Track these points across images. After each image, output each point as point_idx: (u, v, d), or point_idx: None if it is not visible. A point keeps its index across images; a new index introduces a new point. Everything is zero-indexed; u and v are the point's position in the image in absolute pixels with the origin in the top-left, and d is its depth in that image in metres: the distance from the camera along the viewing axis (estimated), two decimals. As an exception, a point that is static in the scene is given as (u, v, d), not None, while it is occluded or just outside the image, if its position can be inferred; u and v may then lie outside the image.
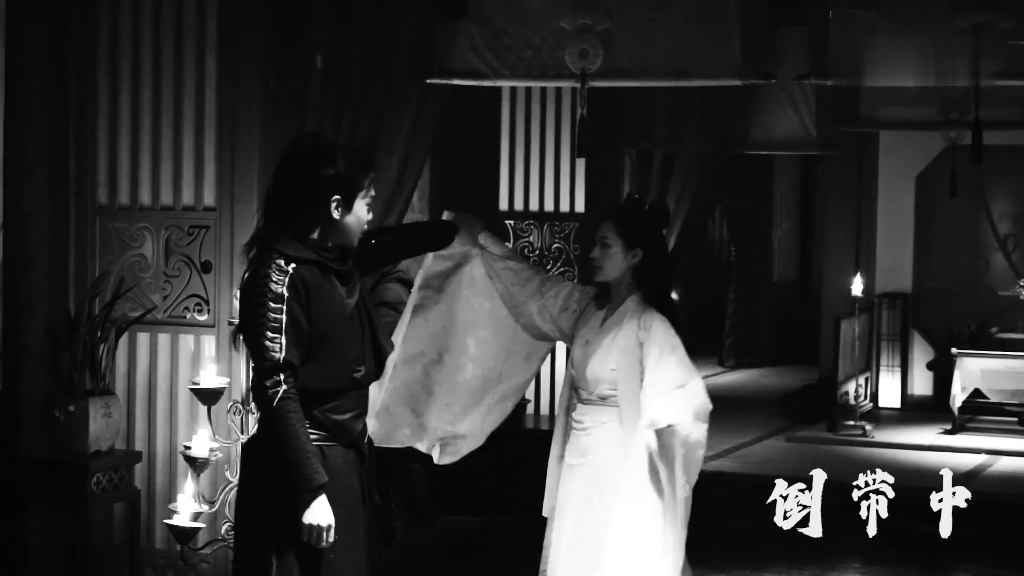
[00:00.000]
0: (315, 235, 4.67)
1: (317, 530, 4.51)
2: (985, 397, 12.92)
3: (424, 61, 7.14)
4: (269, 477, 4.60)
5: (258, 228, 4.79)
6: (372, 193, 4.80)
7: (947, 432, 12.64)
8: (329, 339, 4.61)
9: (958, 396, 12.64)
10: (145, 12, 7.26)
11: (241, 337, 4.72)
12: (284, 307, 4.52)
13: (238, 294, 4.87)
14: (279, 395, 4.47)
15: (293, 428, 4.48)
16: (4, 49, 6.90)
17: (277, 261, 4.55)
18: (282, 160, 4.75)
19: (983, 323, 14.31)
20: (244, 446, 4.97)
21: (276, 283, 4.53)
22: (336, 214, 4.67)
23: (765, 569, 8.55)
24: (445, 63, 7.16)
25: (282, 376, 4.48)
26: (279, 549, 4.58)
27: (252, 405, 4.80)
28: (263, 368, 4.50)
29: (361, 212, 4.74)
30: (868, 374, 14.02)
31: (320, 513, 4.50)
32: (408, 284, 7.41)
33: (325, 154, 4.66)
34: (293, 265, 4.56)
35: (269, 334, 4.50)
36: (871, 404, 13.95)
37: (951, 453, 11.76)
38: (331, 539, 4.53)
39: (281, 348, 4.49)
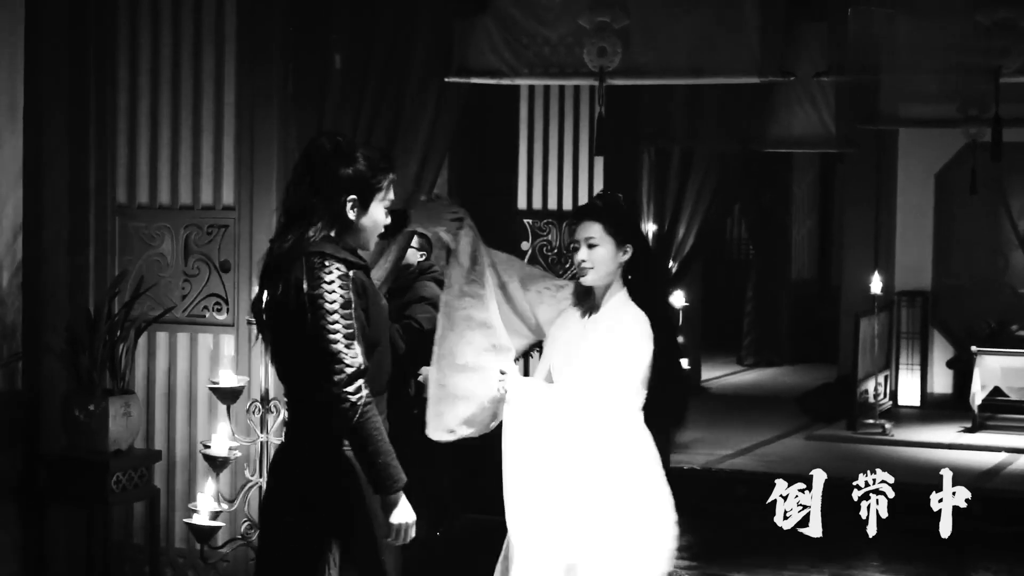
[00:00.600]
0: (332, 235, 4.64)
1: (405, 528, 4.56)
2: (1005, 395, 12.89)
3: (443, 60, 7.13)
4: (325, 482, 4.59)
5: (279, 226, 4.76)
6: (391, 196, 4.76)
7: (967, 430, 12.61)
8: (380, 343, 4.65)
9: (978, 394, 12.61)
10: (164, 11, 7.28)
11: (261, 336, 4.75)
12: (353, 312, 4.50)
13: (255, 293, 4.85)
14: (363, 401, 4.44)
15: (380, 431, 4.48)
16: (24, 49, 6.91)
17: (339, 267, 4.52)
18: (301, 157, 4.74)
19: (1003, 321, 14.26)
20: (282, 452, 4.83)
21: (345, 289, 4.49)
22: (351, 214, 4.64)
23: (785, 567, 8.54)
24: (463, 62, 7.16)
25: (362, 382, 4.45)
26: (340, 553, 4.60)
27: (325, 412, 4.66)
28: (344, 376, 4.42)
29: (378, 214, 4.71)
30: (888, 372, 13.99)
31: (407, 511, 4.56)
32: (442, 283, 7.41)
33: (343, 152, 4.64)
34: (353, 271, 4.55)
35: (344, 341, 4.44)
36: (891, 402, 13.93)
37: (971, 451, 11.74)
38: (413, 535, 4.59)
39: (358, 355, 4.46)
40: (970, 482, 8.73)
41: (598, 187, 10.32)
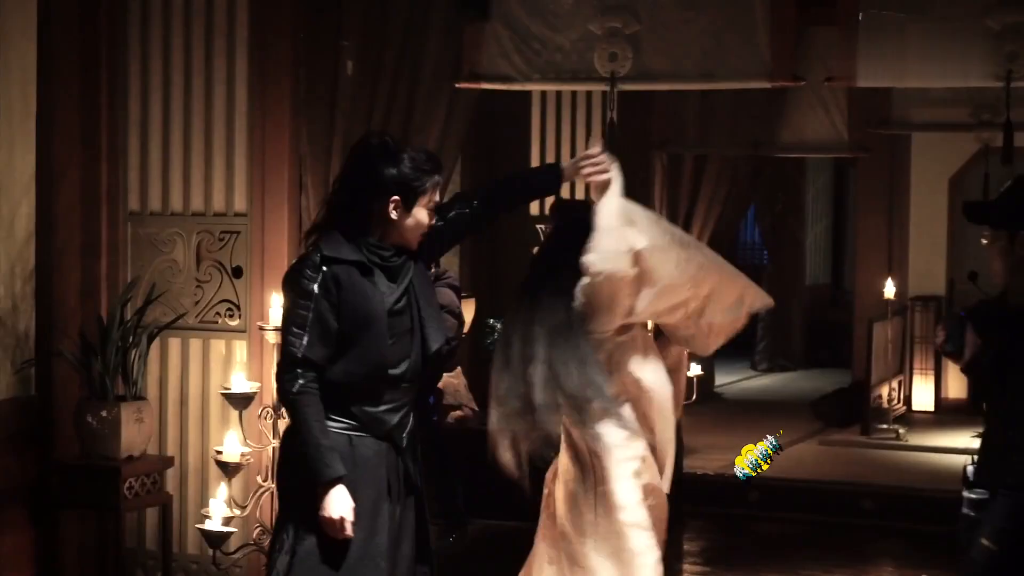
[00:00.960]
0: (373, 233, 4.71)
1: (330, 523, 4.58)
2: (1019, 400, 12.82)
3: (453, 65, 7.15)
4: (294, 464, 4.69)
5: (319, 218, 4.84)
6: (436, 198, 4.82)
7: (981, 435, 12.56)
8: (360, 337, 4.65)
9: (992, 399, 12.54)
10: (175, 17, 7.30)
11: None
12: (312, 304, 4.59)
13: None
14: (294, 389, 4.57)
15: (307, 423, 4.57)
16: (35, 57, 6.93)
17: (313, 258, 4.64)
18: (348, 155, 4.86)
19: (1017, 325, 14.19)
20: (284, 433, 5.04)
21: (307, 280, 4.61)
22: (394, 215, 4.71)
23: (798, 572, 8.53)
24: (474, 67, 7.18)
25: (299, 371, 4.57)
26: (296, 533, 4.65)
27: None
28: (284, 361, 4.62)
29: (421, 216, 4.76)
30: (901, 377, 13.95)
31: (335, 505, 4.57)
32: (457, 289, 7.41)
33: (390, 153, 4.71)
34: (327, 265, 4.62)
35: (294, 329, 4.59)
36: (904, 407, 13.88)
37: (985, 456, 11.70)
38: (349, 531, 4.59)
39: (302, 344, 4.57)
40: (983, 487, 8.70)
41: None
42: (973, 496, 4.88)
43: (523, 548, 5.65)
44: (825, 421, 13.22)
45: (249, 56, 7.17)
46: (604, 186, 5.20)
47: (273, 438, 6.84)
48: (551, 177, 5.28)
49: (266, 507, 6.90)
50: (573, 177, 5.31)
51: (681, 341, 5.61)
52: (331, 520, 4.57)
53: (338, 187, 4.80)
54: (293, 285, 4.65)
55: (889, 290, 13.06)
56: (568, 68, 7.18)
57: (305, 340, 4.57)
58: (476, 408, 9.54)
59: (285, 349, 4.63)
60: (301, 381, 4.57)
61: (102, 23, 7.22)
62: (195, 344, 7.31)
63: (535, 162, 10.60)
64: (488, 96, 7.68)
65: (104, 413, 6.79)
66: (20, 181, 6.88)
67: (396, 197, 4.69)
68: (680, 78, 7.29)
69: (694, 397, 11.37)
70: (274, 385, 6.77)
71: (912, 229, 14.67)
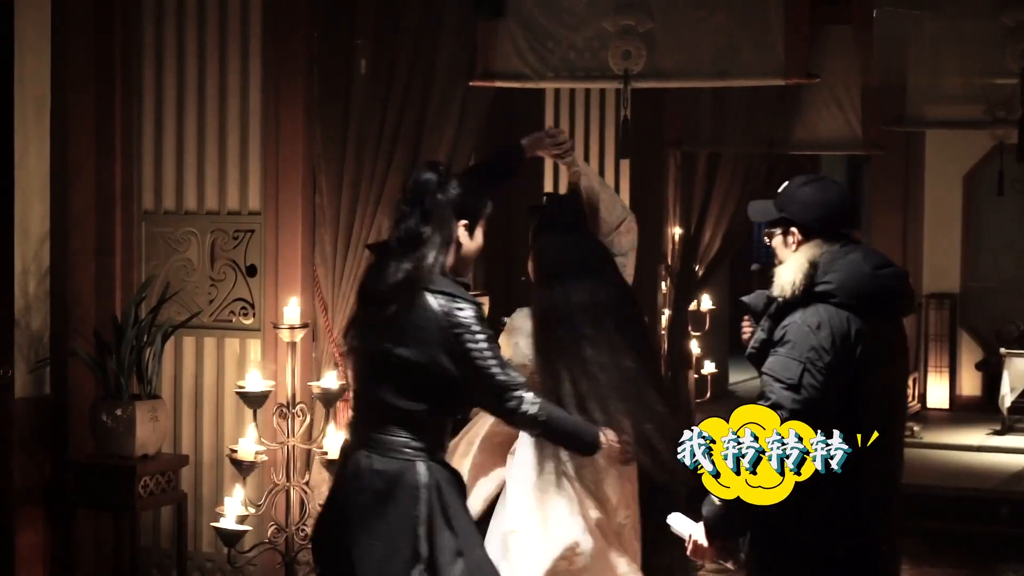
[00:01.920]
0: (445, 268, 4.70)
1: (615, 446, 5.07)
2: (1034, 397, 12.82)
3: (467, 64, 7.14)
4: (413, 488, 4.61)
5: (394, 254, 4.71)
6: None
7: (996, 433, 12.55)
8: None
9: (1007, 396, 12.55)
10: (189, 16, 7.31)
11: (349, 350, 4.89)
12: (497, 342, 4.72)
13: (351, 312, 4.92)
14: (538, 407, 4.68)
15: (556, 413, 4.81)
16: (49, 55, 6.94)
17: (471, 307, 4.63)
18: (408, 190, 4.77)
19: (1031, 322, 14.19)
20: (364, 461, 4.74)
21: (483, 322, 4.64)
22: (464, 239, 4.74)
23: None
24: (488, 65, 7.16)
25: (531, 394, 4.69)
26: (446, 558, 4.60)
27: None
28: (516, 401, 4.66)
29: (480, 239, 4.82)
30: (916, 375, 13.94)
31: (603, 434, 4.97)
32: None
33: (448, 180, 4.73)
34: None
35: (500, 369, 4.64)
36: (919, 405, 13.87)
37: (1000, 454, 11.69)
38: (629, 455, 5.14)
39: (514, 374, 4.68)
40: (999, 485, 8.70)
41: (624, 190, 10.34)
42: None
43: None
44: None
45: (263, 55, 7.18)
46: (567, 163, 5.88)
47: (288, 436, 6.84)
48: (514, 154, 5.66)
49: (280, 506, 6.91)
50: (535, 152, 5.78)
51: None
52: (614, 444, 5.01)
53: (401, 223, 4.72)
54: (482, 324, 4.65)
55: (903, 288, 13.02)
56: (582, 66, 7.16)
57: (511, 368, 4.71)
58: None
59: (508, 389, 4.64)
60: (529, 395, 4.67)
61: (116, 22, 7.24)
62: (209, 343, 7.33)
63: (549, 160, 10.58)
64: (502, 95, 7.67)
65: (119, 412, 6.80)
66: (35, 181, 6.89)
67: (464, 220, 4.74)
68: (694, 76, 7.27)
69: (708, 395, 11.38)
70: (288, 390, 6.82)
71: (926, 227, 14.66)
